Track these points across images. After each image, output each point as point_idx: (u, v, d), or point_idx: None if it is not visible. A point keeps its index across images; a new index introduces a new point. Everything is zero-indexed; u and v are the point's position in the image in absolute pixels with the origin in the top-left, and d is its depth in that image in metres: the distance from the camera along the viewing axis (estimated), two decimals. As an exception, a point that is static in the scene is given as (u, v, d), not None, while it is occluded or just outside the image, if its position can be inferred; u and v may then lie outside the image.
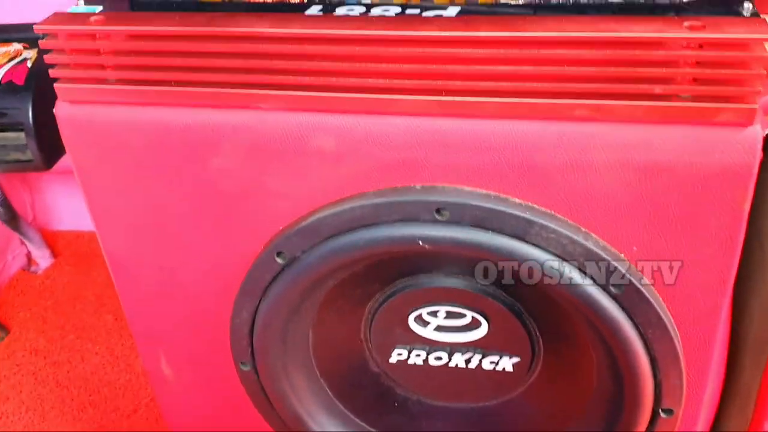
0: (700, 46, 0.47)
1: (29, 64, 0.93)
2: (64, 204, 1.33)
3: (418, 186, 0.56)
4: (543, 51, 0.50)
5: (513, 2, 0.59)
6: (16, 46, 0.96)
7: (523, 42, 0.50)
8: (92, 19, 0.57)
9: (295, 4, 0.58)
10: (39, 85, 0.90)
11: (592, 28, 0.48)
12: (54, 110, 0.61)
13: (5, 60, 0.94)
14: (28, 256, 1.32)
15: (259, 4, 0.60)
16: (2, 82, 0.90)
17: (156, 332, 0.73)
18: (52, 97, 0.60)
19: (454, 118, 0.54)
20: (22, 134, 0.91)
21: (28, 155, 0.93)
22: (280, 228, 0.61)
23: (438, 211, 0.55)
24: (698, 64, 0.48)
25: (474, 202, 0.55)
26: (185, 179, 0.61)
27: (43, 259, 1.31)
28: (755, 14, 0.50)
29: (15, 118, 0.90)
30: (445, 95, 0.53)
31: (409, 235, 0.56)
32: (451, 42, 0.51)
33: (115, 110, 0.59)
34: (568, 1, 0.54)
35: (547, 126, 0.52)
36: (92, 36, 0.57)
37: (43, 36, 0.58)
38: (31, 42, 0.96)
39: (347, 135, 0.56)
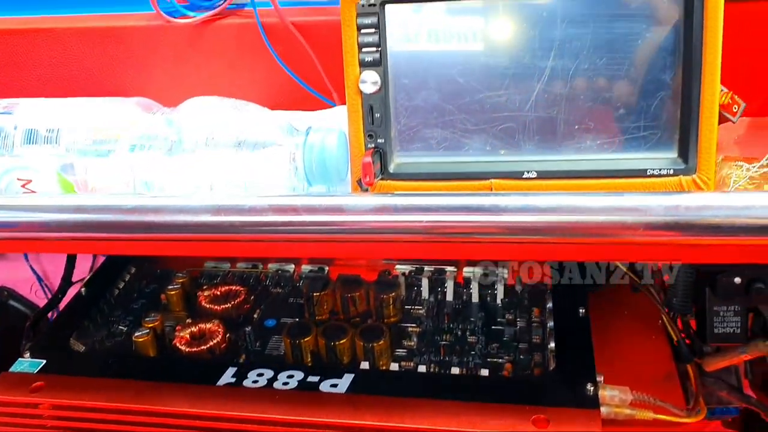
0: (543, 444, 0.56)
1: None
2: None
3: None
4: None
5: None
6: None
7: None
8: (34, 385, 0.65)
9: (212, 366, 0.67)
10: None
11: (444, 423, 0.57)
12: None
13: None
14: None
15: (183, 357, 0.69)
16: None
17: None
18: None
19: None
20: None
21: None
22: None
23: None
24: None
25: None
26: None
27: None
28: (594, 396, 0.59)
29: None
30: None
31: None
32: (337, 428, 0.59)
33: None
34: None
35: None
36: (33, 403, 0.65)
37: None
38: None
39: None
